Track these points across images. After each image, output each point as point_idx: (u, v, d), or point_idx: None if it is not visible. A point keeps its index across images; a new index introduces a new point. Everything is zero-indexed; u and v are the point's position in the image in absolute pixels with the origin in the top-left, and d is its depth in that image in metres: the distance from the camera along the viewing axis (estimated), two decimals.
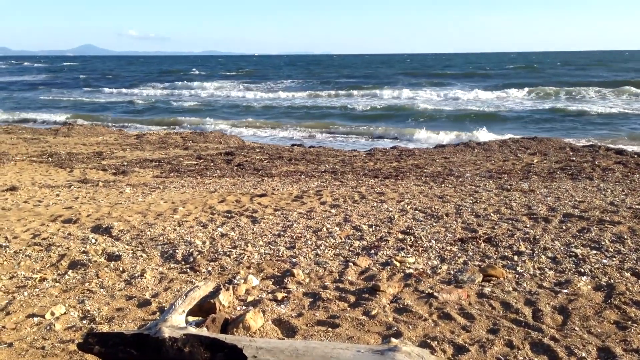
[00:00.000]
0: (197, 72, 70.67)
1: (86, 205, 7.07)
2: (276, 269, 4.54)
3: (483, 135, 16.89)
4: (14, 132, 17.02)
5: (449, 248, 5.02)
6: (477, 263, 4.61)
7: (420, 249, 5.01)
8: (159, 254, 4.97)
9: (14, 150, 12.95)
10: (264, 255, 4.89)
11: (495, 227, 5.67)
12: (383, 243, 5.20)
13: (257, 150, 13.34)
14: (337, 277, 4.34)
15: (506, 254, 4.83)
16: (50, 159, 11.67)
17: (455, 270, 4.45)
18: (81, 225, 6.03)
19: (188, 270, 4.56)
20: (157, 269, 4.59)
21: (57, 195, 7.84)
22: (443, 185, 8.22)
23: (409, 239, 5.27)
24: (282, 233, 5.61)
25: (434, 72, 58.84)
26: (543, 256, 4.73)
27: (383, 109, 27.45)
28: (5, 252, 4.98)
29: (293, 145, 15.67)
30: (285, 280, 4.27)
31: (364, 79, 52.29)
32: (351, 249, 5.08)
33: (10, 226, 5.99)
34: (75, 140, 15.38)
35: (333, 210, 6.59)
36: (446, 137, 17.52)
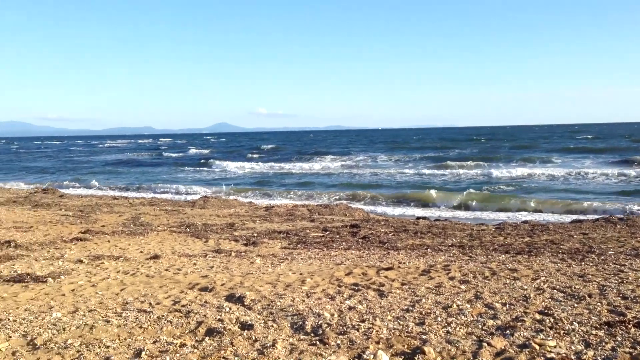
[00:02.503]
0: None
1: (220, 275, 7.40)
2: (406, 346, 4.43)
3: None
4: (157, 204, 18.44)
5: (594, 332, 4.63)
6: (627, 350, 4.20)
7: (562, 331, 4.66)
8: (289, 325, 5.05)
9: (156, 221, 13.98)
10: (392, 331, 4.80)
11: None
12: (519, 323, 4.91)
13: (382, 223, 13.35)
14: (471, 358, 4.14)
15: None
16: (188, 230, 12.43)
17: (602, 357, 4.08)
18: (216, 293, 6.31)
19: (317, 342, 4.57)
20: (287, 340, 4.65)
21: (194, 264, 8.29)
22: (583, 263, 7.68)
23: (548, 320, 4.93)
24: (410, 308, 5.49)
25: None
26: None
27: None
28: (150, 317, 5.32)
29: (418, 218, 15.52)
30: (416, 358, 4.14)
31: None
32: (484, 328, 4.84)
33: (154, 292, 6.41)
34: (210, 212, 16.32)
35: (463, 286, 6.36)
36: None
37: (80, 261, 8.46)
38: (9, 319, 5.37)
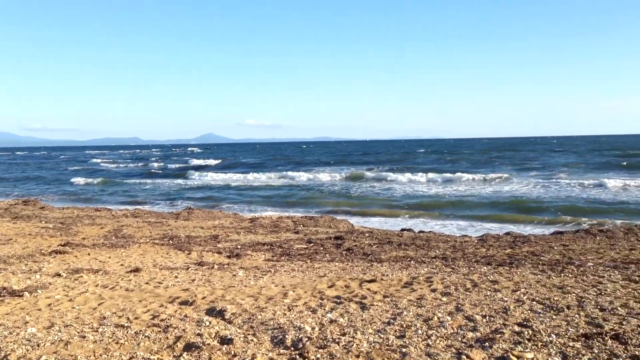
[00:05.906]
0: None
1: (202, 288, 7.37)
2: (386, 359, 4.44)
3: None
4: (140, 216, 18.31)
5: (571, 344, 4.67)
6: None
7: (540, 343, 4.70)
8: (269, 339, 5.04)
9: (139, 233, 13.90)
10: (373, 344, 4.81)
11: (624, 322, 5.22)
12: (498, 335, 4.94)
13: (367, 234, 13.39)
14: None
15: (637, 353, 4.41)
16: (171, 242, 12.37)
17: None
18: (196, 307, 6.28)
19: (297, 356, 4.57)
20: (267, 354, 4.64)
21: (176, 277, 8.25)
22: (562, 274, 7.74)
23: (526, 332, 4.97)
24: (391, 321, 5.50)
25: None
26: None
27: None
28: (127, 332, 5.28)
29: (402, 230, 15.58)
30: None
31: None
32: (464, 340, 4.87)
33: (132, 307, 6.36)
34: (194, 223, 16.25)
35: (444, 298, 6.40)
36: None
37: (59, 275, 8.38)
38: None
